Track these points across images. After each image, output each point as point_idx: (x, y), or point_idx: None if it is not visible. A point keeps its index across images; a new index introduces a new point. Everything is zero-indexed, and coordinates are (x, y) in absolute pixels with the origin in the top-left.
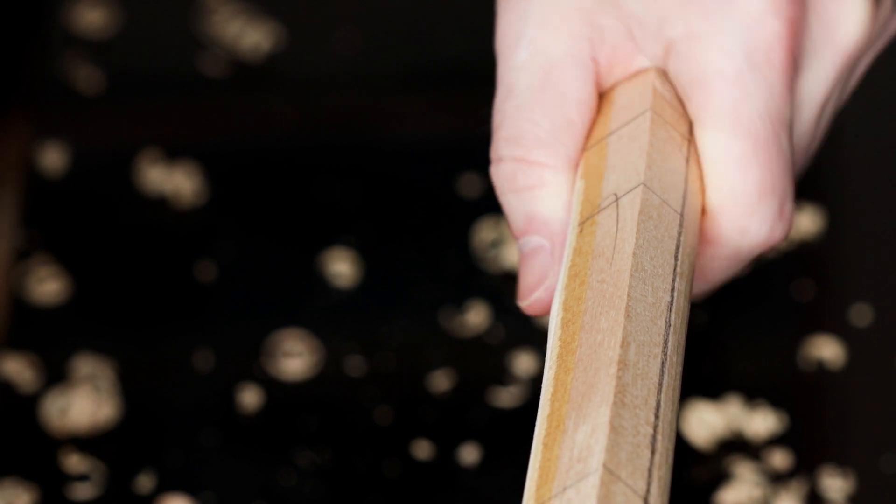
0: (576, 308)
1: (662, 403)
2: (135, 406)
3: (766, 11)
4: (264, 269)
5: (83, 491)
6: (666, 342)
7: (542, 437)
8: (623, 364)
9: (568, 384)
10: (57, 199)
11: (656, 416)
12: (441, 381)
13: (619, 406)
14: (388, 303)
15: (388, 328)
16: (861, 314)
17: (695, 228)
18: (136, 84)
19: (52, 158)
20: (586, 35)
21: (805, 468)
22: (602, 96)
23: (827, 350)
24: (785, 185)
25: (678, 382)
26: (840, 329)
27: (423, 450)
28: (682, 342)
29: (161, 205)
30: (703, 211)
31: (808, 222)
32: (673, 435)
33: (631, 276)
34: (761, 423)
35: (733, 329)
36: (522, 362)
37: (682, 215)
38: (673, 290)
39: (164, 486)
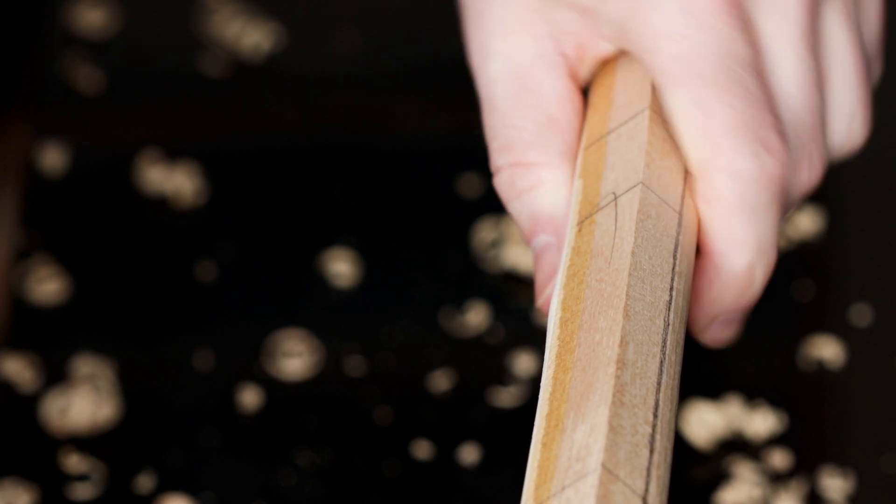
0: (574, 307)
1: (661, 403)
2: (135, 406)
3: None
4: (264, 269)
5: (83, 491)
6: (664, 341)
7: (541, 436)
8: (622, 363)
9: (566, 383)
10: (57, 199)
11: (655, 416)
12: (441, 381)
13: (618, 405)
14: (388, 303)
15: (388, 328)
16: (861, 314)
17: (694, 227)
18: (136, 84)
19: (52, 158)
20: (548, 33)
21: (805, 468)
22: (596, 91)
23: (827, 350)
24: (760, 118)
25: (677, 382)
26: (840, 329)
27: (423, 450)
28: (681, 341)
29: (161, 205)
30: (689, 175)
31: (808, 222)
32: (672, 434)
33: (629, 275)
34: (761, 423)
35: None
36: (522, 362)
37: (680, 214)
38: (671, 289)
39: (164, 486)
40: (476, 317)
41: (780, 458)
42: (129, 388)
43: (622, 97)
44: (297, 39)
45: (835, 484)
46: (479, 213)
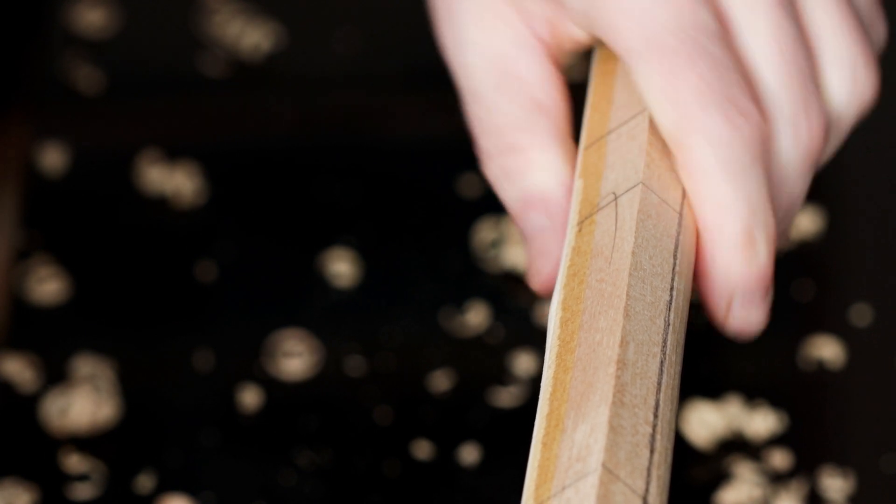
0: (575, 307)
1: (661, 403)
2: (135, 406)
3: None
4: (264, 269)
5: (83, 491)
6: (665, 341)
7: (542, 436)
8: (622, 363)
9: (567, 383)
10: (57, 199)
11: (655, 416)
12: (441, 381)
13: (618, 405)
14: (388, 303)
15: (388, 328)
16: (861, 314)
17: (694, 228)
18: (136, 84)
19: (52, 158)
20: (521, 20)
21: (805, 468)
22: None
23: (827, 350)
24: (729, 82)
25: (677, 382)
26: (840, 329)
27: (423, 450)
28: (682, 341)
29: (161, 205)
30: (672, 149)
31: (808, 222)
32: (672, 434)
33: (630, 275)
34: (761, 423)
35: None
36: (522, 362)
37: (680, 214)
38: (672, 288)
39: (164, 486)
40: (476, 317)
41: (780, 458)
42: (129, 388)
43: (622, 97)
44: (297, 39)
45: (835, 484)
46: (479, 213)
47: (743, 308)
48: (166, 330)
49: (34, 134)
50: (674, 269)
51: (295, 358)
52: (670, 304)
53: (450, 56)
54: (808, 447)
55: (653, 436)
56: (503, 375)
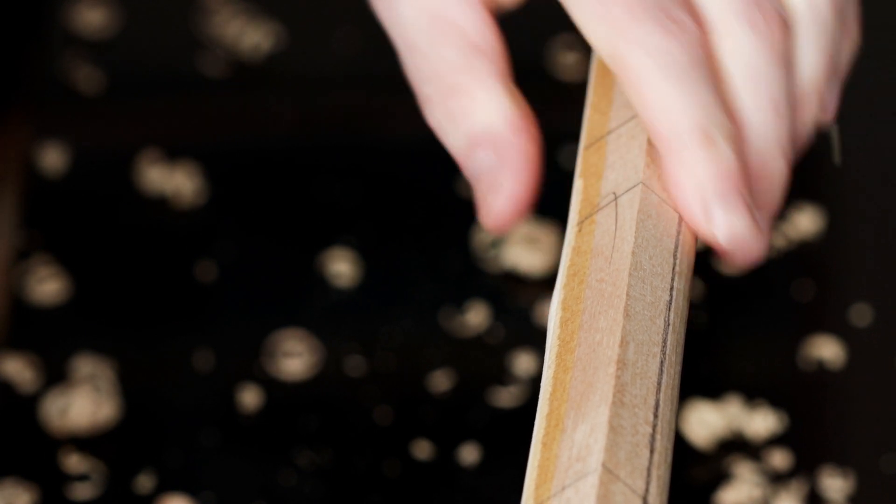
0: (574, 307)
1: (661, 403)
2: (135, 406)
3: None
4: (264, 269)
5: (83, 491)
6: (665, 341)
7: (541, 436)
8: (622, 363)
9: (567, 383)
10: (57, 199)
11: (655, 416)
12: (441, 381)
13: (618, 405)
14: (388, 303)
15: (388, 328)
16: (861, 314)
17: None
18: (136, 84)
19: (52, 158)
20: None
21: (805, 468)
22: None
23: (827, 350)
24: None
25: (677, 382)
26: (840, 329)
27: (423, 450)
28: (682, 341)
29: (161, 205)
30: (611, 67)
31: (808, 222)
32: (672, 434)
33: (630, 274)
34: (761, 423)
35: (733, 329)
36: (522, 362)
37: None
38: (672, 288)
39: (164, 486)
40: (476, 317)
41: (780, 458)
42: (129, 388)
43: (622, 97)
44: (297, 39)
45: (835, 484)
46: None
47: (723, 213)
48: (166, 330)
49: (34, 134)
50: (674, 269)
51: (295, 358)
52: (670, 304)
53: (382, 11)
54: (808, 447)
55: (653, 436)
56: (503, 375)
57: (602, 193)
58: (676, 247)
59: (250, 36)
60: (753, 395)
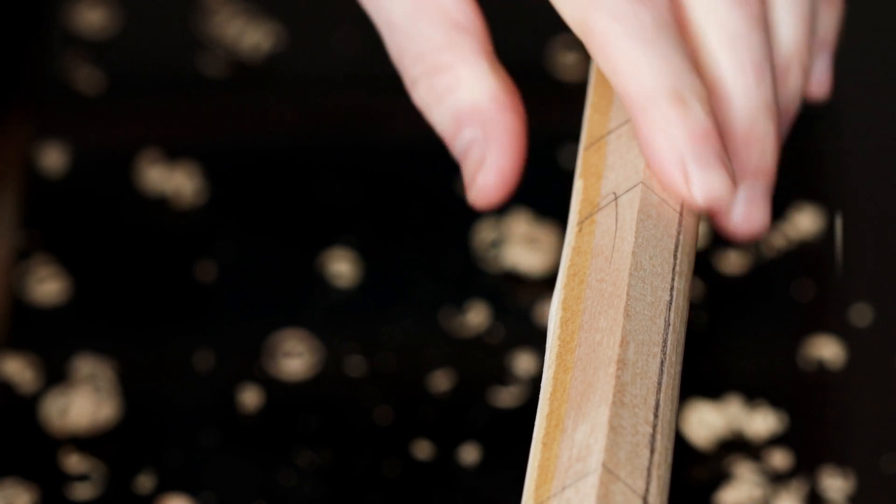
0: (575, 307)
1: (662, 403)
2: (135, 406)
3: None
4: (264, 269)
5: (83, 491)
6: (665, 341)
7: (542, 436)
8: (622, 363)
9: (567, 383)
10: (57, 199)
11: (655, 416)
12: (441, 381)
13: (618, 405)
14: (388, 303)
15: (388, 328)
16: (861, 314)
17: (695, 227)
18: (136, 84)
19: (52, 158)
20: None
21: (805, 468)
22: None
23: (827, 350)
24: None
25: (677, 382)
26: (840, 329)
27: (423, 450)
28: (682, 341)
29: (161, 205)
30: (580, 37)
31: (808, 222)
32: (672, 434)
33: (630, 274)
34: (761, 423)
35: (733, 329)
36: (522, 362)
37: (681, 214)
38: (672, 288)
39: (164, 486)
40: (476, 317)
41: (780, 458)
42: (129, 388)
43: None
44: (297, 39)
45: (835, 484)
46: (479, 213)
47: (699, 172)
48: (166, 330)
49: (34, 134)
50: (674, 269)
51: (295, 358)
52: (670, 304)
53: None
54: (808, 447)
55: (653, 436)
56: (503, 375)
57: (602, 193)
58: (676, 247)
59: (250, 36)
60: (753, 395)
